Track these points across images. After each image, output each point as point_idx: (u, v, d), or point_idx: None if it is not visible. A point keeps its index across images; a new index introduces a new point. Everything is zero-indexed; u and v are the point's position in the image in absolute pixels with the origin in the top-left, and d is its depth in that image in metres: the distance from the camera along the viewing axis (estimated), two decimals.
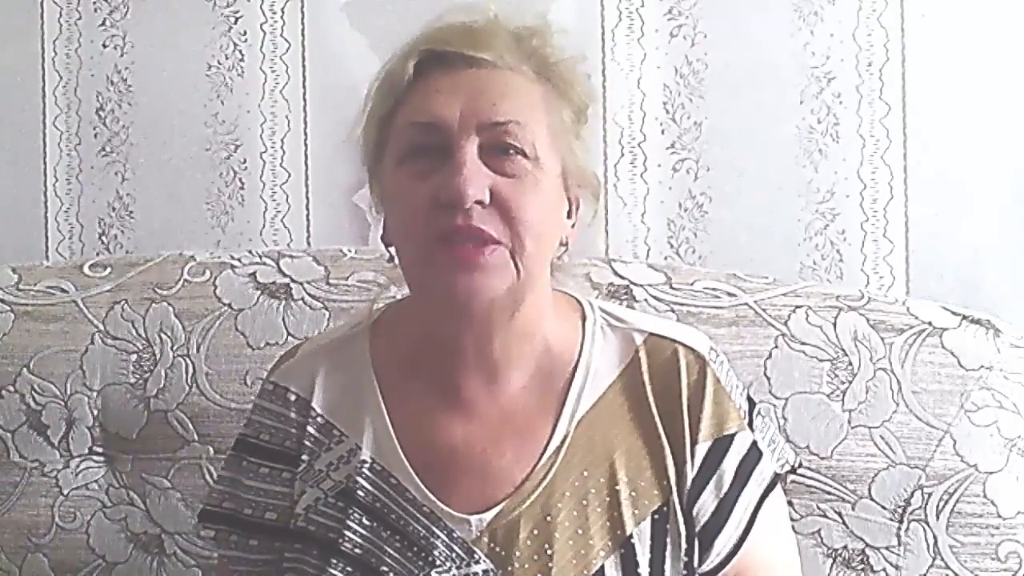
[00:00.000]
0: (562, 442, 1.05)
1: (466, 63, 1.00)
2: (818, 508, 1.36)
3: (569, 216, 1.07)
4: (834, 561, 1.36)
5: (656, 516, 1.04)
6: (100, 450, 1.46)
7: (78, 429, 1.45)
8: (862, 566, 1.35)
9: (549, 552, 1.02)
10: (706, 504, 1.05)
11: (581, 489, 1.04)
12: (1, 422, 1.45)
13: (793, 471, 1.13)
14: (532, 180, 0.99)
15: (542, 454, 1.05)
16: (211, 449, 1.43)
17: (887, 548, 1.35)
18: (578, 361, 1.08)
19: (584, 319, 1.11)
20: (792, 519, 1.15)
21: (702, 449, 1.05)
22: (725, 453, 1.06)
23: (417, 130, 1.00)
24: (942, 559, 1.34)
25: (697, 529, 1.05)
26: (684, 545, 1.04)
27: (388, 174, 1.04)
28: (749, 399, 1.12)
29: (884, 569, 1.35)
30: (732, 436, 1.07)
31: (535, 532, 1.02)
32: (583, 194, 1.08)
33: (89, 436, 1.46)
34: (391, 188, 1.04)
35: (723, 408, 1.07)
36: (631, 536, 1.03)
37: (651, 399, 1.07)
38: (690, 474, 1.05)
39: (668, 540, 1.04)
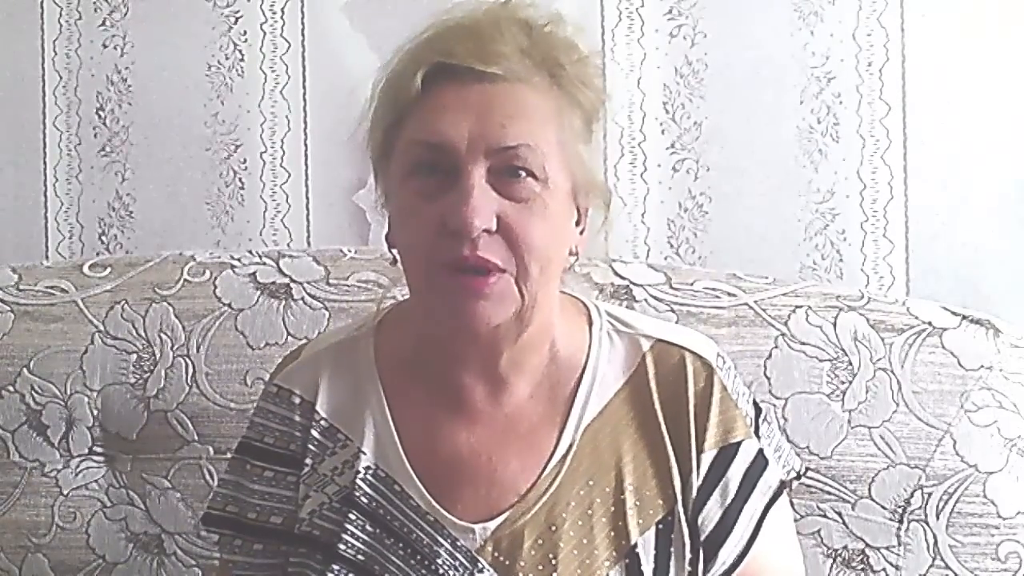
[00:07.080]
0: (568, 450, 1.04)
1: (475, 77, 0.97)
2: (818, 508, 1.36)
3: (578, 224, 1.05)
4: (834, 561, 1.36)
5: (661, 525, 1.03)
6: (100, 450, 1.46)
7: (78, 429, 1.45)
8: (862, 566, 1.35)
9: (553, 562, 1.01)
10: (711, 513, 1.04)
11: (586, 498, 1.03)
12: (1, 422, 1.45)
13: (799, 478, 1.12)
14: (540, 204, 0.97)
15: (547, 462, 1.04)
16: (211, 449, 1.43)
17: (887, 548, 1.35)
18: (584, 368, 1.07)
19: (591, 324, 1.10)
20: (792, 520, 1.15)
21: (708, 457, 1.04)
22: (731, 461, 1.05)
23: (424, 149, 0.98)
24: (942, 559, 1.34)
25: (702, 538, 1.03)
26: (689, 555, 1.03)
27: (394, 184, 1.02)
28: (755, 405, 1.11)
29: (884, 569, 1.35)
30: (738, 444, 1.05)
31: (540, 542, 1.02)
32: (593, 202, 1.06)
33: (89, 436, 1.46)
34: (397, 202, 1.02)
35: (729, 416, 1.06)
36: (636, 546, 1.02)
37: (657, 406, 1.05)
38: (695, 483, 1.04)
39: (673, 550, 1.03)
